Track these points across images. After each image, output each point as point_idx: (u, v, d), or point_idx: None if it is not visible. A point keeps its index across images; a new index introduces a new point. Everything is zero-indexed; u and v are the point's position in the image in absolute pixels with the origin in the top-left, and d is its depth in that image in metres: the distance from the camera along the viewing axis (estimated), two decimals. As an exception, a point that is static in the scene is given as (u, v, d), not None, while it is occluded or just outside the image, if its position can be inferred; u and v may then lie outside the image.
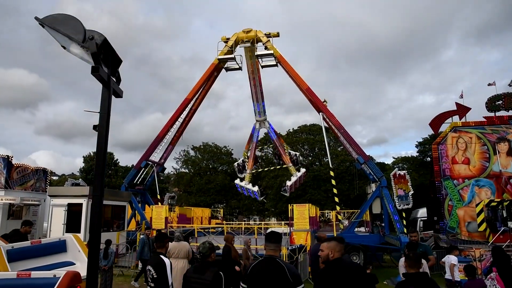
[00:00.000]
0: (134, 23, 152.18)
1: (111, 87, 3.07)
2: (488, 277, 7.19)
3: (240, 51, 22.17)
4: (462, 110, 19.46)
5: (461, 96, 21.24)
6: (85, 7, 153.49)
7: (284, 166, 23.48)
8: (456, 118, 19.47)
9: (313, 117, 60.35)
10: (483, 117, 19.06)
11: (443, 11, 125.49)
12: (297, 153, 25.79)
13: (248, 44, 21.04)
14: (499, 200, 16.16)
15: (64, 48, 3.13)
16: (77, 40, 2.91)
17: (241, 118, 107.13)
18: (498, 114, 18.88)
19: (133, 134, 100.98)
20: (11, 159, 18.87)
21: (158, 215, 18.07)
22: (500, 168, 18.16)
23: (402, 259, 7.03)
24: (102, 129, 2.96)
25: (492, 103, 18.84)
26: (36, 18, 3.01)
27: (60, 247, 7.79)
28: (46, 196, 18.37)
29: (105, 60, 3.06)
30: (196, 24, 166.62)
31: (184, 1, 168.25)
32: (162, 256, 5.08)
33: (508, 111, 18.74)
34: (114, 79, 3.24)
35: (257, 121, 23.42)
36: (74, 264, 7.44)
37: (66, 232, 14.18)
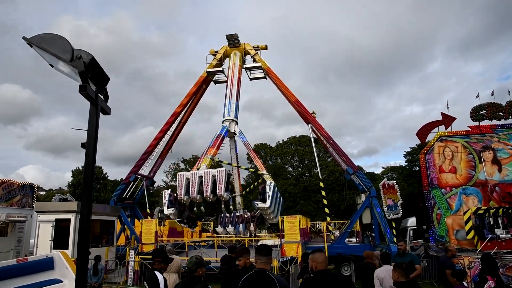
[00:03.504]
0: (130, 39, 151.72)
1: (98, 105, 3.11)
2: (486, 285, 7.07)
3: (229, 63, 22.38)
4: (447, 119, 19.79)
5: (447, 107, 21.72)
6: (82, 24, 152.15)
7: (259, 172, 20.14)
8: (442, 128, 19.79)
9: (303, 129, 60.63)
10: (468, 126, 19.44)
11: (427, 26, 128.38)
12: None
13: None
14: (485, 208, 16.42)
15: (52, 66, 3.16)
16: (65, 59, 2.95)
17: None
18: (482, 123, 19.29)
19: (124, 148, 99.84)
20: (-4, 175, 18.56)
21: (148, 229, 17.86)
22: (486, 176, 18.46)
23: (378, 270, 7.03)
24: (90, 147, 2.98)
25: (476, 113, 19.26)
26: (24, 38, 3.05)
27: (47, 264, 7.66)
28: (33, 212, 18.04)
29: (92, 79, 3.10)
30: (190, 40, 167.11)
31: (178, 18, 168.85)
32: (156, 272, 5.15)
33: (491, 120, 19.16)
34: (102, 97, 3.28)
35: (225, 121, 19.82)
36: (62, 281, 7.33)
37: (53, 248, 13.93)
